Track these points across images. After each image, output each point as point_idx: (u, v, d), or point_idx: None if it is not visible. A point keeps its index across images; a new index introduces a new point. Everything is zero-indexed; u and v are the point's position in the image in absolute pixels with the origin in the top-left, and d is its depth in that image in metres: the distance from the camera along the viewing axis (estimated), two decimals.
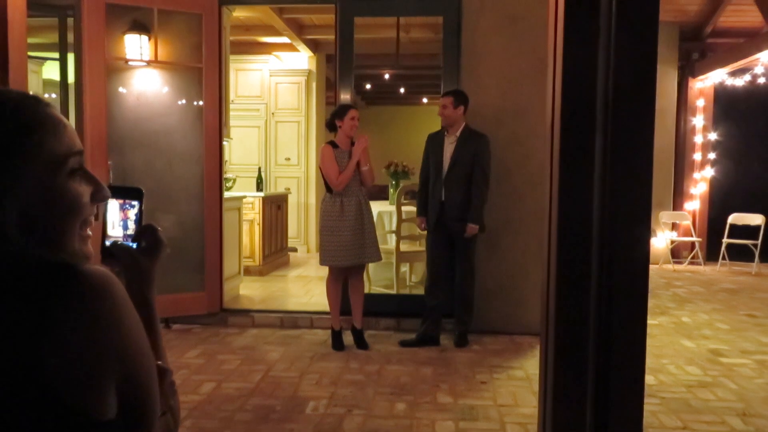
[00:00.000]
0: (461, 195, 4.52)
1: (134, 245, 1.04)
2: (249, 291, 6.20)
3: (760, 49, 7.13)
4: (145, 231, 1.04)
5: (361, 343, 4.58)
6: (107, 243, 1.05)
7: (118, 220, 1.05)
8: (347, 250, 4.40)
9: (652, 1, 1.81)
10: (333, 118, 4.53)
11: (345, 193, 4.43)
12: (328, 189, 4.51)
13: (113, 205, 1.05)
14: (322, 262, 4.51)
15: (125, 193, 1.06)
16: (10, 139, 0.78)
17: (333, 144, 4.50)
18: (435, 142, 4.70)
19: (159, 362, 0.94)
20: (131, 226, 1.05)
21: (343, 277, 4.61)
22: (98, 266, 0.79)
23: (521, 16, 4.88)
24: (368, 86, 10.99)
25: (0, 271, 0.75)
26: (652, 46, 1.82)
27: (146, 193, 1.07)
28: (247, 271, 6.72)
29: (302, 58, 8.96)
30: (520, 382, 3.90)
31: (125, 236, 1.05)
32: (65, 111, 5.23)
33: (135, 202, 1.05)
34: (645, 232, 1.86)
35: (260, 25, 7.75)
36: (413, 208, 5.57)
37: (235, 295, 5.89)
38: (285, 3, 6.34)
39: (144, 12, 4.85)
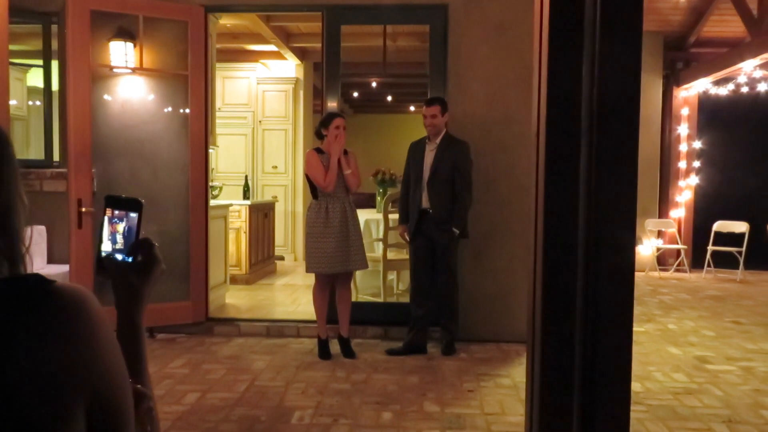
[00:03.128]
0: (443, 202, 4.54)
1: (129, 259, 0.99)
2: (235, 300, 6.16)
3: (742, 59, 7.22)
4: (140, 246, 0.99)
5: (347, 352, 4.55)
6: (103, 255, 1.01)
7: (108, 234, 1.01)
8: (332, 257, 4.38)
9: (636, 10, 1.82)
10: (320, 128, 4.54)
11: (330, 200, 4.43)
12: (314, 195, 4.50)
13: (107, 219, 1.02)
14: (308, 269, 4.50)
15: (123, 204, 1.01)
16: (7, 147, 0.80)
17: (318, 150, 4.51)
18: (416, 150, 4.73)
19: (138, 386, 0.91)
20: (119, 240, 1.00)
21: (330, 286, 4.59)
22: (72, 282, 0.78)
23: (507, 25, 4.90)
24: (355, 94, 11.01)
25: None
26: (637, 55, 1.83)
27: None
28: (234, 280, 6.68)
29: (289, 66, 8.95)
30: (507, 390, 3.89)
31: (114, 250, 1.00)
32: (49, 118, 5.18)
33: (133, 214, 0.99)
34: (631, 239, 1.86)
35: (247, 33, 7.74)
36: None
37: (220, 304, 5.85)
38: (272, 11, 6.33)
39: (129, 19, 4.82)
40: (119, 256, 1.00)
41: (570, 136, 1.88)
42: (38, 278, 0.74)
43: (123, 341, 0.81)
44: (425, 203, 4.60)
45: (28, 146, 5.61)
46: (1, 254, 0.78)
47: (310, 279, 4.74)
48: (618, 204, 1.84)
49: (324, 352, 4.52)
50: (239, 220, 6.94)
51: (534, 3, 2.04)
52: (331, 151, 4.42)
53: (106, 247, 1.01)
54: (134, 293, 0.98)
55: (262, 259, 7.53)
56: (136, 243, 0.99)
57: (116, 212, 1.01)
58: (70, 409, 0.72)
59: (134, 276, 0.98)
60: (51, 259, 5.00)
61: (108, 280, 0.99)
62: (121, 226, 1.00)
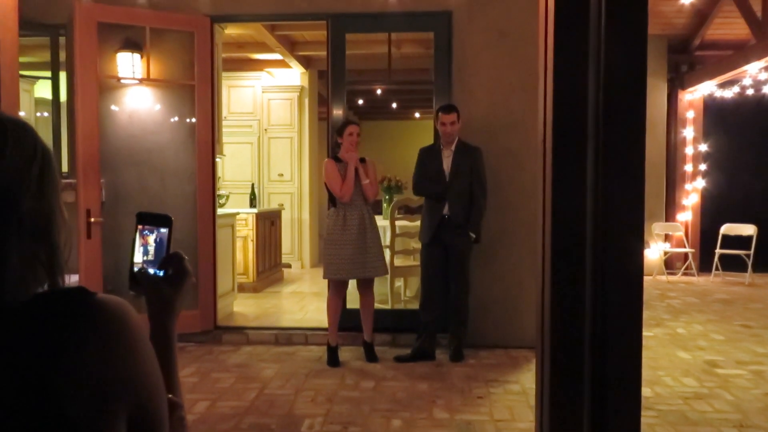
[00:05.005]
0: (462, 207, 4.56)
1: (161, 273, 1.03)
2: (243, 308, 6.17)
3: (747, 61, 7.21)
4: (171, 259, 1.04)
5: (371, 356, 4.59)
6: (135, 270, 1.05)
7: (139, 245, 1.06)
8: (349, 264, 4.41)
9: (641, 14, 1.83)
10: (335, 135, 4.61)
11: (348, 207, 4.46)
12: (333, 203, 4.54)
13: (138, 232, 1.06)
14: (325, 275, 4.54)
15: (154, 220, 1.06)
16: (49, 160, 0.81)
17: (336, 159, 4.54)
18: (430, 156, 4.72)
19: (170, 395, 0.93)
20: (150, 251, 1.05)
21: (344, 293, 4.62)
22: (113, 295, 0.79)
23: (511, 30, 4.92)
24: (360, 101, 11.01)
25: (16, 297, 0.75)
26: (642, 58, 1.84)
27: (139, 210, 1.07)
28: (241, 288, 6.69)
29: (294, 74, 8.99)
30: (516, 396, 3.88)
31: (145, 261, 1.05)
32: (57, 130, 5.22)
33: (163, 229, 1.05)
34: (639, 243, 1.86)
35: (252, 42, 7.78)
36: (407, 223, 5.58)
37: (229, 313, 5.86)
38: (277, 20, 6.37)
39: (136, 30, 4.86)
40: (151, 270, 1.04)
41: (576, 140, 1.89)
42: (82, 291, 0.76)
43: (156, 351, 0.83)
44: (446, 209, 4.61)
45: None
46: (42, 265, 0.79)
47: (318, 287, 4.75)
48: (625, 207, 1.85)
49: (333, 360, 4.52)
50: (246, 228, 6.97)
51: (539, 8, 2.05)
52: (348, 160, 4.44)
53: (138, 258, 1.05)
54: (167, 304, 1.02)
55: (270, 266, 7.54)
56: (167, 257, 1.04)
57: (147, 226, 1.05)
58: (114, 418, 0.74)
59: (167, 288, 1.02)
60: None
61: (140, 294, 1.03)
62: (151, 238, 1.05)
